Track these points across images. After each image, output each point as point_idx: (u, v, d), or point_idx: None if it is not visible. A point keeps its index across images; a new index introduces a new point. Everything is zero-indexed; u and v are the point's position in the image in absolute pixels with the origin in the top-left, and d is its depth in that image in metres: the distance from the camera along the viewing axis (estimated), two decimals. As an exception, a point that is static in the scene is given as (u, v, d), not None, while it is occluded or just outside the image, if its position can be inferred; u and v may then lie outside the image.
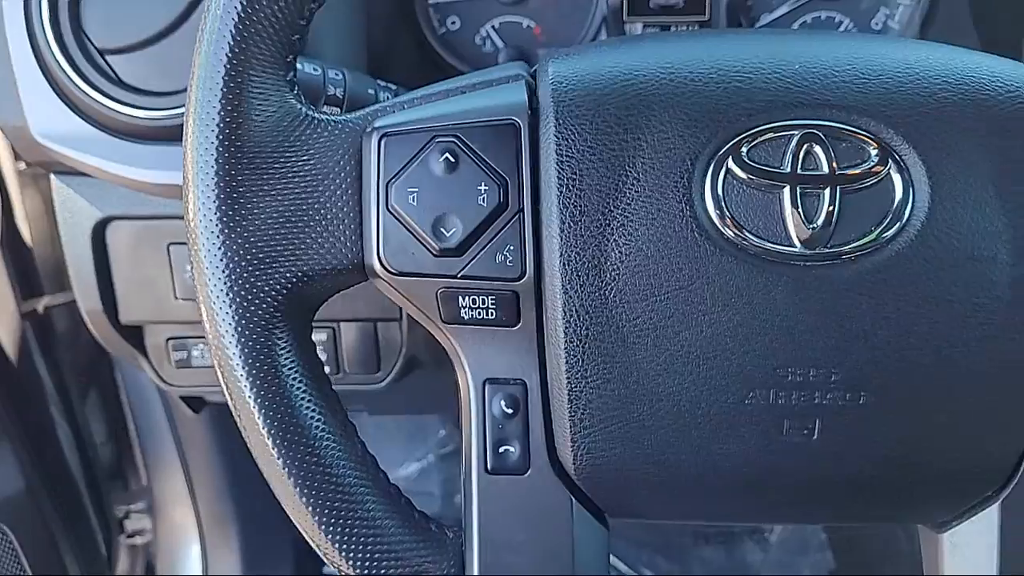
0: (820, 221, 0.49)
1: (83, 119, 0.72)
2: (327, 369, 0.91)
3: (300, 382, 0.51)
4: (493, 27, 0.92)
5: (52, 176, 0.82)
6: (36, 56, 0.71)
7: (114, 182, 0.75)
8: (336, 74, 0.63)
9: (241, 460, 1.26)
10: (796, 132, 0.49)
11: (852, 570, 1.44)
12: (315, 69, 0.63)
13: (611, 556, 1.57)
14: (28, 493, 1.16)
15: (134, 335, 0.90)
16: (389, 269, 0.51)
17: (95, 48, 0.71)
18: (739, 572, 1.52)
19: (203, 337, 0.87)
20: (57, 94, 0.72)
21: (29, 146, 0.73)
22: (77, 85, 0.71)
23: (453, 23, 0.92)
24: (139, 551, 1.48)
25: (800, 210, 0.49)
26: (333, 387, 0.54)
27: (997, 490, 0.53)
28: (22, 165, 1.07)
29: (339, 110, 0.63)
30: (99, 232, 0.83)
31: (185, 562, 1.40)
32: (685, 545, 1.54)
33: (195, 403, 1.17)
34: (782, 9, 0.92)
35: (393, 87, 0.67)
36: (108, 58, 0.71)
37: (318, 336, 0.90)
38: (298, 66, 0.62)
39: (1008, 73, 0.51)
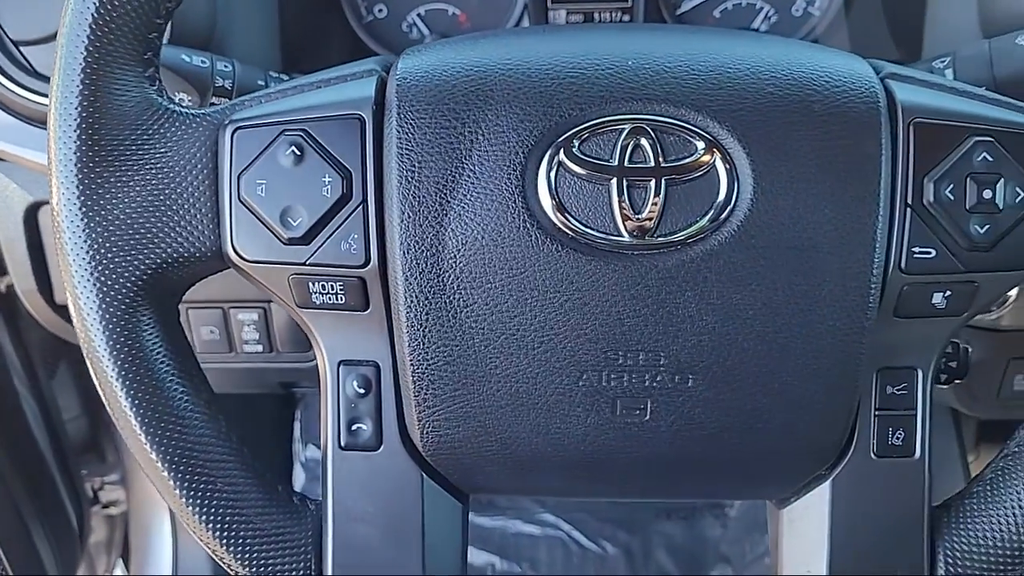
0: (646, 212, 0.51)
1: (1, 109, 0.75)
2: (259, 348, 0.95)
3: (165, 361, 0.54)
4: (419, 14, 0.95)
5: None
6: None
7: (36, 170, 0.78)
8: (225, 66, 0.66)
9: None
10: (626, 126, 0.51)
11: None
12: (203, 62, 0.65)
13: (574, 530, 1.59)
14: (-7, 467, 1.20)
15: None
16: (243, 257, 0.53)
17: (10, 39, 0.74)
18: (699, 547, 1.55)
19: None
20: None
21: None
22: None
23: (380, 11, 0.95)
24: (116, 521, 1.52)
25: (627, 201, 0.51)
26: (200, 367, 0.57)
27: (828, 468, 0.56)
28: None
29: (228, 101, 0.66)
30: (31, 215, 0.86)
31: (158, 531, 1.45)
32: (646, 520, 1.57)
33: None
34: (703, -4, 0.93)
35: (286, 77, 0.69)
36: (23, 49, 0.74)
37: (249, 316, 0.93)
38: (185, 58, 0.65)
39: (838, 68, 0.53)
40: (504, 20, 0.94)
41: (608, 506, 1.58)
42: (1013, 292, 0.84)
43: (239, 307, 0.92)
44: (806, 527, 0.56)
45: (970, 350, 0.62)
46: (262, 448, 1.48)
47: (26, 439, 1.28)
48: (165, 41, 0.73)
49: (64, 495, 1.36)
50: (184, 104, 0.65)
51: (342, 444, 0.55)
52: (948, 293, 0.53)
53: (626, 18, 0.94)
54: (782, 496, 0.58)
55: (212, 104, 0.65)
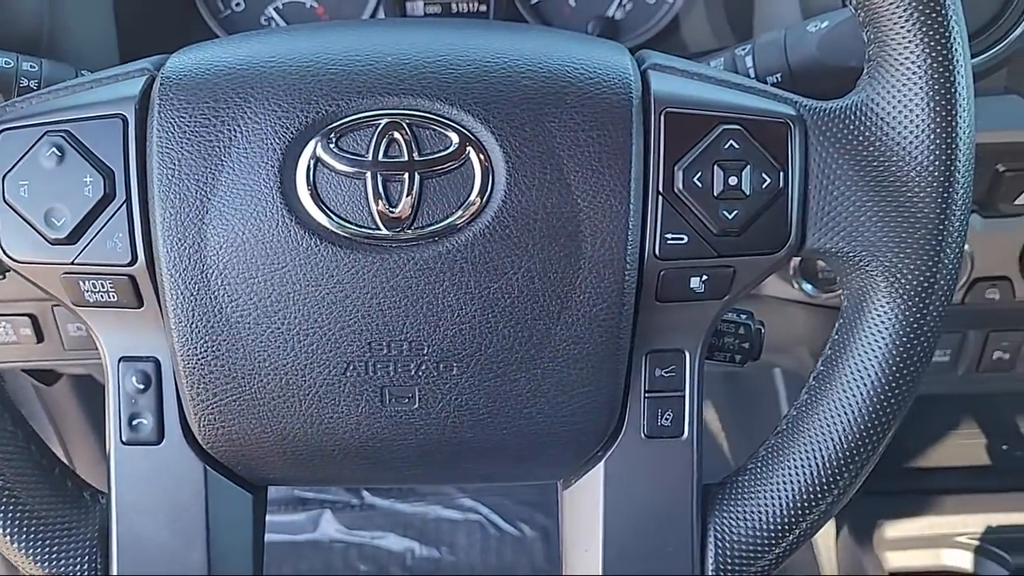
0: (401, 206, 0.52)
1: None
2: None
3: None
4: (276, 8, 0.95)
5: None
6: None
7: None
8: (31, 66, 0.66)
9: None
10: (381, 120, 0.52)
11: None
12: (6, 62, 0.66)
13: (492, 513, 1.59)
14: None
15: None
16: (13, 258, 0.54)
17: None
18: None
19: (13, 314, 0.91)
20: None
21: None
22: None
23: (238, 4, 0.95)
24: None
25: (383, 195, 0.52)
26: None
27: (602, 449, 0.57)
28: None
29: None
30: None
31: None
32: (564, 502, 1.59)
33: (47, 376, 1.21)
34: (564, -15, 0.94)
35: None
36: None
37: None
38: None
39: (595, 60, 0.54)
40: (361, 12, 0.95)
41: (526, 489, 1.59)
42: None
43: None
44: (584, 507, 0.58)
45: (763, 331, 0.64)
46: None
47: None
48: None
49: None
50: None
51: (124, 439, 0.56)
52: (705, 277, 0.54)
53: (483, 8, 0.95)
54: (562, 478, 0.59)
55: None
